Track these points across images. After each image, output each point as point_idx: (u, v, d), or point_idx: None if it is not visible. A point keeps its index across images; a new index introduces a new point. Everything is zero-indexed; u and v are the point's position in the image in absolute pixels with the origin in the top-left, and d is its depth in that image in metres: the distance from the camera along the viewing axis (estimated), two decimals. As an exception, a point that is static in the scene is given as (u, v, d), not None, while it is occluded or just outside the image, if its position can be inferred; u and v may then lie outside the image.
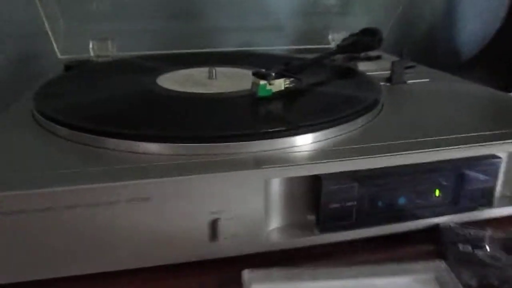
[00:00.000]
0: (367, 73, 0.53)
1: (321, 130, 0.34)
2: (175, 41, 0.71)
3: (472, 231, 0.32)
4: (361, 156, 0.30)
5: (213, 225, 0.29)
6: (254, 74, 0.40)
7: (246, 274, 0.27)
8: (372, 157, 0.31)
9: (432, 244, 0.32)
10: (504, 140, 0.33)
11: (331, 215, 0.31)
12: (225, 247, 0.29)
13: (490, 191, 0.34)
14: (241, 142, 0.31)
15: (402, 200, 0.32)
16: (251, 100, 0.39)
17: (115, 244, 0.28)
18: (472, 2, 0.84)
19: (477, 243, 0.31)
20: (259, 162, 0.29)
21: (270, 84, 0.39)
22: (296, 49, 0.75)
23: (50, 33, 0.58)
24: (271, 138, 0.32)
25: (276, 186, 0.30)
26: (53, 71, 0.54)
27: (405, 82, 0.50)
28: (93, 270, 0.28)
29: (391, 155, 0.31)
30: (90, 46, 0.61)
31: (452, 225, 0.32)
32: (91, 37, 0.61)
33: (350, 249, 0.32)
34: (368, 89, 0.44)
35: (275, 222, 0.31)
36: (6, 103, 0.42)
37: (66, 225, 0.27)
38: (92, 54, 0.61)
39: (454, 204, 0.33)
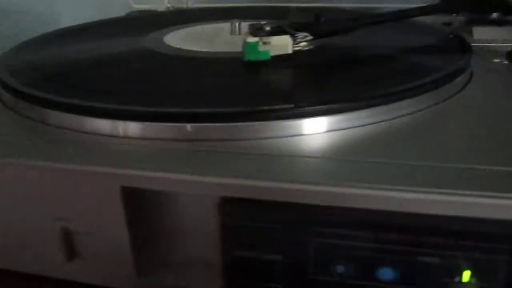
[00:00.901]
0: (479, 44, 0.34)
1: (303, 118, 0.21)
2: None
3: None
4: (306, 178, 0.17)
5: (64, 238, 0.19)
6: (249, 27, 0.27)
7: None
8: (337, 187, 0.16)
9: None
10: None
11: (239, 267, 0.18)
12: (85, 270, 0.20)
13: None
14: (195, 124, 0.20)
15: (387, 274, 0.17)
16: (239, 66, 0.27)
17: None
18: None
19: None
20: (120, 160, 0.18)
21: (264, 44, 0.26)
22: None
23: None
24: (218, 121, 0.20)
25: (155, 200, 0.19)
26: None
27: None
28: None
29: (383, 191, 0.16)
30: (166, -4, 0.56)
31: None
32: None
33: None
34: (438, 61, 0.27)
35: (169, 255, 0.20)
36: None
37: None
38: (166, 4, 0.55)
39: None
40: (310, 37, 0.27)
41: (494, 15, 0.38)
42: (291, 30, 0.26)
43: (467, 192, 0.16)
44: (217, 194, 0.17)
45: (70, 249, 0.20)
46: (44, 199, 0.19)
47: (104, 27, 0.41)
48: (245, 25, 0.34)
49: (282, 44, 0.26)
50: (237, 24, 0.35)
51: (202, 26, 0.39)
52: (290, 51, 0.27)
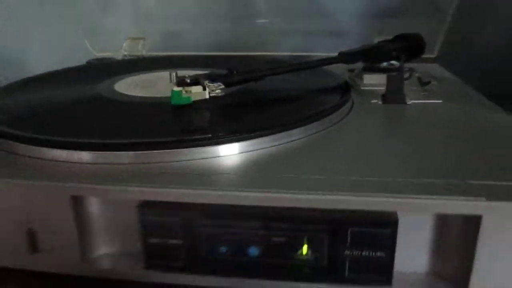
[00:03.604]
0: (364, 88, 0.43)
1: (206, 146, 0.28)
2: (223, 43, 0.70)
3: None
4: (202, 186, 0.25)
5: (29, 235, 0.27)
6: (177, 79, 0.36)
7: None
8: (214, 191, 0.24)
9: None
10: (408, 194, 0.23)
11: (154, 251, 0.25)
12: (45, 261, 0.27)
13: (384, 262, 0.24)
14: (129, 152, 0.28)
15: (253, 251, 0.25)
16: (167, 108, 0.35)
17: None
18: None
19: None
20: (68, 177, 0.26)
21: (186, 92, 0.35)
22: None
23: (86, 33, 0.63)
24: (150, 149, 0.28)
25: (99, 207, 0.27)
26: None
27: (404, 102, 0.39)
28: None
29: (238, 192, 0.24)
30: (123, 45, 0.64)
31: (318, 298, 0.24)
32: (126, 36, 0.64)
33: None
34: (324, 100, 0.36)
35: (108, 247, 0.27)
36: None
37: None
38: (123, 52, 0.64)
39: (330, 271, 0.24)
40: (222, 86, 0.35)
41: (384, 64, 0.48)
42: (206, 81, 0.35)
43: (310, 193, 0.24)
44: (139, 198, 0.25)
45: (34, 245, 0.27)
46: (15, 206, 0.26)
47: (65, 75, 0.49)
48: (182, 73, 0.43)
49: (200, 92, 0.35)
50: (174, 74, 0.44)
51: (148, 74, 0.48)
52: (207, 96, 0.35)
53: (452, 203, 0.23)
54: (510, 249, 0.23)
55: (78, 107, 0.38)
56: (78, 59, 0.65)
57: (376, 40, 0.58)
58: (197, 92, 0.35)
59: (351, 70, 0.51)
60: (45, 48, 0.75)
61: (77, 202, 0.26)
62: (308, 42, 0.73)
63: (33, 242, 0.27)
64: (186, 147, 0.28)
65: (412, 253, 0.25)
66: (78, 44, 0.70)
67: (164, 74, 0.47)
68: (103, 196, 0.26)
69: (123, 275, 0.27)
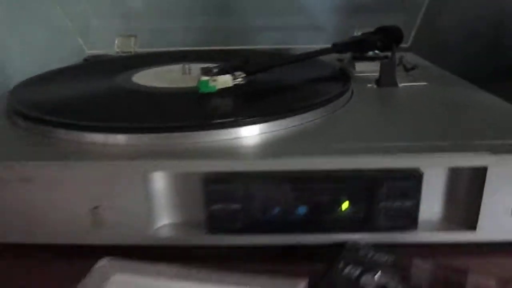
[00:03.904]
0: (357, 74, 0.49)
1: (244, 126, 0.32)
2: (207, 38, 0.74)
3: (376, 254, 0.28)
4: (255, 158, 0.29)
5: (94, 212, 0.29)
6: (202, 69, 0.39)
7: (105, 262, 0.27)
8: (266, 160, 0.29)
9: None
10: (433, 152, 0.28)
11: (216, 217, 0.29)
12: (107, 235, 0.30)
13: (411, 211, 0.29)
14: (163, 134, 0.31)
15: (302, 210, 0.29)
16: (196, 96, 0.39)
17: (7, 218, 0.30)
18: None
19: (371, 268, 0.27)
20: (138, 155, 0.29)
21: (213, 81, 0.38)
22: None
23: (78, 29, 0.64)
24: (190, 131, 0.31)
25: (165, 181, 0.30)
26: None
27: (395, 85, 0.45)
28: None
29: (292, 159, 0.28)
30: (116, 42, 0.66)
31: (359, 244, 0.29)
32: (117, 33, 0.66)
33: (240, 255, 0.30)
34: (330, 86, 0.41)
35: (168, 218, 0.31)
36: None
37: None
38: (116, 49, 0.66)
39: (367, 221, 0.29)
40: (244, 75, 0.39)
41: (370, 53, 0.54)
42: (231, 70, 0.39)
43: (349, 156, 0.28)
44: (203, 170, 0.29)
45: (98, 221, 0.30)
46: (82, 187, 0.29)
47: (81, 69, 0.52)
48: (194, 66, 0.47)
49: (225, 81, 0.39)
50: (187, 66, 0.47)
51: (158, 68, 0.50)
52: (231, 85, 0.39)
53: (463, 158, 0.28)
54: (510, 194, 0.28)
55: (110, 98, 0.41)
56: (69, 57, 0.67)
57: (356, 32, 0.65)
58: (222, 81, 0.39)
59: (340, 60, 0.56)
60: (28, 48, 0.75)
61: (148, 178, 0.29)
62: (287, 36, 0.78)
63: (98, 219, 0.30)
64: (224, 128, 0.32)
65: (431, 203, 0.30)
66: (63, 44, 0.71)
67: (173, 67, 0.50)
68: (174, 170, 0.29)
69: (186, 241, 0.30)
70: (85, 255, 0.30)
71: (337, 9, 0.75)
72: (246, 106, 0.38)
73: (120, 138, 0.32)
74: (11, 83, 0.47)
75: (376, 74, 0.48)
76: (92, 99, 0.41)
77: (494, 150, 0.28)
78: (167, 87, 0.42)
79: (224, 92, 0.39)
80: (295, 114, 0.34)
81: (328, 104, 0.37)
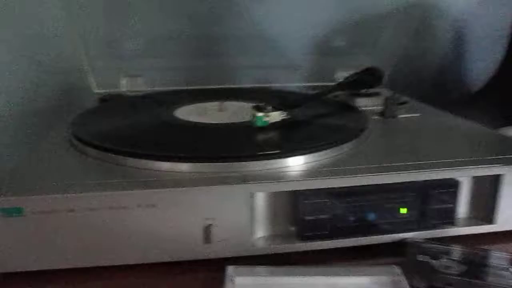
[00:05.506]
0: (362, 108, 0.59)
1: (309, 153, 0.40)
2: (198, 77, 0.80)
3: (435, 246, 0.36)
4: (336, 176, 0.36)
5: (207, 230, 0.35)
6: (253, 107, 0.46)
7: (230, 269, 0.33)
8: (345, 177, 0.36)
9: (399, 257, 0.36)
10: (464, 166, 0.38)
11: (307, 226, 0.36)
12: (217, 249, 0.35)
13: (451, 211, 0.38)
14: (237, 163, 0.37)
15: (372, 216, 0.37)
16: (251, 129, 0.45)
17: (127, 241, 0.34)
18: (476, 43, 0.89)
19: (436, 255, 0.35)
20: (246, 179, 0.35)
21: (266, 116, 0.45)
22: (309, 86, 0.82)
23: (88, 69, 0.68)
24: (263, 159, 0.38)
25: (262, 200, 0.36)
26: (89, 103, 0.62)
27: (395, 117, 0.55)
28: (105, 262, 0.34)
29: (361, 176, 0.36)
30: (123, 82, 0.70)
31: (418, 240, 0.37)
32: (123, 74, 0.71)
33: (325, 257, 0.37)
34: (355, 120, 0.50)
35: (262, 231, 0.37)
36: (48, 129, 0.51)
37: (84, 224, 0.33)
38: (124, 89, 0.70)
39: (420, 222, 0.38)
40: (285, 112, 0.47)
41: (362, 91, 0.65)
42: (279, 108, 0.46)
43: (404, 172, 0.37)
44: (295, 188, 0.36)
45: (208, 237, 0.35)
46: (197, 208, 0.34)
47: (121, 106, 0.58)
48: (229, 103, 0.54)
49: (276, 116, 0.46)
50: (223, 104, 0.54)
51: (190, 105, 0.56)
52: (279, 119, 0.46)
53: (485, 169, 0.38)
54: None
55: (172, 130, 0.47)
56: (78, 97, 0.70)
57: (337, 74, 0.76)
58: (274, 116, 0.46)
59: (335, 96, 0.66)
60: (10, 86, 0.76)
61: (253, 198, 0.35)
62: (267, 76, 0.87)
63: (208, 235, 0.35)
64: (300, 154, 0.39)
65: (461, 204, 0.40)
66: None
67: (204, 105, 0.57)
68: (273, 190, 0.36)
69: (280, 249, 0.36)
70: (196, 269, 0.35)
71: (313, 51, 0.86)
72: (303, 136, 0.46)
73: (201, 167, 0.37)
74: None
75: (375, 108, 0.58)
76: (154, 131, 0.47)
77: (507, 162, 0.38)
78: (220, 123, 0.48)
79: (275, 125, 0.46)
80: (341, 143, 0.42)
81: (361, 135, 0.46)
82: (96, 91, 0.69)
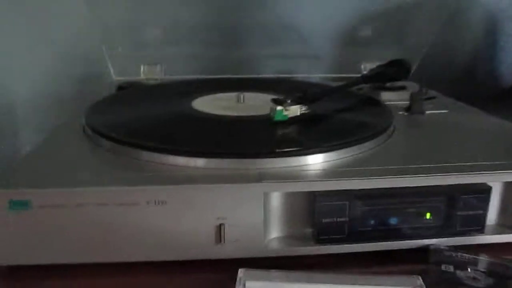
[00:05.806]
0: (387, 103, 0.56)
1: (329, 152, 0.38)
2: (218, 67, 0.78)
3: (460, 254, 0.34)
4: (356, 177, 0.34)
5: (218, 229, 0.33)
6: (272, 100, 0.44)
7: (242, 272, 0.31)
8: (365, 179, 0.34)
9: (421, 264, 0.34)
10: (497, 170, 0.35)
11: (324, 229, 0.34)
12: (228, 249, 0.34)
13: (481, 218, 0.36)
14: (252, 159, 0.36)
15: (393, 220, 0.35)
16: (268, 124, 0.43)
17: (136, 238, 0.33)
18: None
19: (461, 265, 0.33)
20: (261, 177, 0.33)
21: (286, 110, 0.43)
22: (332, 77, 0.79)
23: (107, 57, 0.67)
24: (281, 156, 0.36)
25: (277, 200, 0.35)
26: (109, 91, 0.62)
27: (423, 113, 0.52)
28: (114, 259, 0.33)
29: (384, 178, 0.34)
30: (141, 70, 0.69)
31: (442, 247, 0.35)
32: (142, 62, 0.69)
33: (342, 262, 0.35)
34: (379, 116, 0.47)
35: (276, 232, 0.35)
36: (68, 117, 0.50)
37: (92, 220, 0.32)
38: (142, 76, 0.69)
39: (446, 228, 0.36)
40: (306, 106, 0.45)
41: (388, 84, 0.62)
42: (300, 101, 0.44)
43: (430, 175, 0.35)
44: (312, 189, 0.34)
45: (221, 237, 0.34)
46: (209, 207, 0.33)
47: (136, 95, 0.57)
48: (248, 94, 0.52)
49: (295, 110, 0.44)
50: (242, 95, 0.52)
51: (207, 96, 0.55)
52: (298, 113, 0.44)
53: (513, 174, 0.35)
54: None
55: (179, 122, 0.46)
56: (98, 84, 0.69)
57: (363, 66, 0.73)
58: (293, 110, 0.44)
59: (359, 89, 0.63)
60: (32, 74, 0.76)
61: (267, 197, 0.33)
62: (290, 66, 0.85)
63: (219, 235, 0.34)
64: (321, 152, 0.37)
65: (491, 210, 0.37)
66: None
67: (222, 95, 0.55)
68: (288, 190, 0.34)
69: (295, 252, 0.35)
70: (205, 269, 0.34)
71: (337, 41, 0.83)
72: (323, 133, 0.44)
73: (219, 162, 0.36)
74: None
75: (401, 103, 0.55)
76: (169, 124, 0.45)
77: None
78: (237, 115, 0.47)
79: (294, 120, 0.44)
80: (363, 141, 0.40)
81: (384, 132, 0.43)
82: (116, 78, 0.68)
